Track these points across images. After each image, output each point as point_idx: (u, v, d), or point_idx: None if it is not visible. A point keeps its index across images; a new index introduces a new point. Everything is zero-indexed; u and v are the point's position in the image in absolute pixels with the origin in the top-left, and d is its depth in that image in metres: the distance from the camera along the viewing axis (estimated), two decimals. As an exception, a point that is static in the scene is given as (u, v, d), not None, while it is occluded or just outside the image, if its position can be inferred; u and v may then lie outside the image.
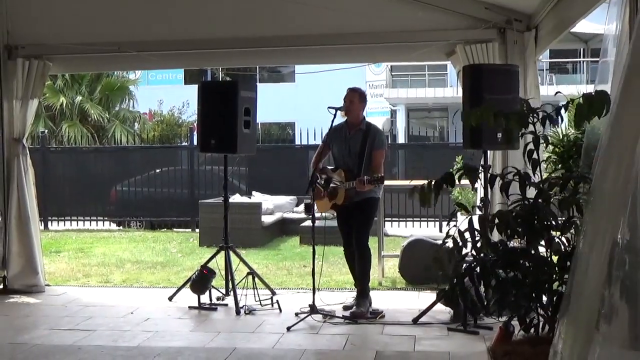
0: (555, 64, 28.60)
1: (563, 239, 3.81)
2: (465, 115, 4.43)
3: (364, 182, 6.28)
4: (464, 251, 3.86)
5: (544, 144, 4.00)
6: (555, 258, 3.80)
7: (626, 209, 2.39)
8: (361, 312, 6.52)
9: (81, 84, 21.62)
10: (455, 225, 3.85)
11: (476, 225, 3.86)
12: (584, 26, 16.21)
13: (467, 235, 3.80)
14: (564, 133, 7.13)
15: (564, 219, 3.71)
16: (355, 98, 6.71)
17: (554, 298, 3.73)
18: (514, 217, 3.70)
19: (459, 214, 4.05)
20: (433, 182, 3.81)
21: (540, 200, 3.76)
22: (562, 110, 3.80)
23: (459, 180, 3.93)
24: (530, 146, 3.83)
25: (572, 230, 3.73)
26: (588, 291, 2.59)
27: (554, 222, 3.72)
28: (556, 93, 4.58)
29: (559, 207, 3.69)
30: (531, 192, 3.88)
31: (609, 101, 3.07)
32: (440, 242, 3.90)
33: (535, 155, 3.83)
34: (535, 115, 3.83)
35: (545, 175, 4.00)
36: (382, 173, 6.49)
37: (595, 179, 2.75)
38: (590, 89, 3.66)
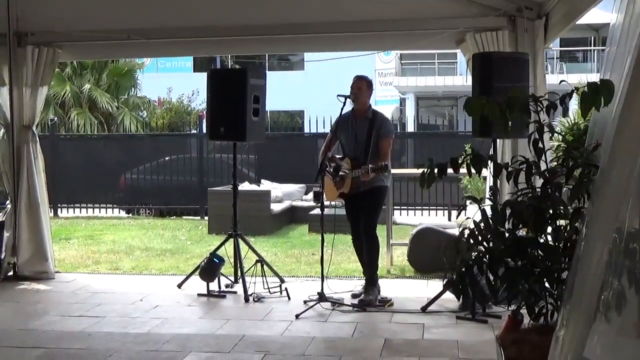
0: (566, 53, 28.46)
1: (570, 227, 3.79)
2: (472, 104, 4.35)
3: (368, 171, 6.29)
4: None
5: (550, 133, 3.97)
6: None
7: (631, 199, 2.37)
8: (369, 300, 6.53)
9: (87, 71, 21.59)
10: (468, 218, 3.82)
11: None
12: (595, 14, 16.08)
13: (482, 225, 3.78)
14: (574, 122, 7.11)
15: (573, 207, 3.69)
16: (363, 85, 6.71)
17: (563, 287, 3.72)
18: (526, 206, 3.68)
19: (468, 202, 4.01)
20: (436, 168, 3.75)
21: (548, 188, 3.73)
22: (567, 99, 3.77)
23: (469, 169, 3.89)
24: (535, 135, 3.80)
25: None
26: (589, 278, 2.59)
27: (562, 211, 3.70)
28: (561, 82, 4.55)
29: (569, 198, 3.67)
30: (538, 182, 3.86)
31: (613, 90, 3.04)
32: (450, 231, 3.88)
33: (540, 144, 3.80)
34: (539, 103, 3.80)
35: (554, 164, 3.96)
36: (389, 161, 6.49)
37: (602, 168, 2.73)
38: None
